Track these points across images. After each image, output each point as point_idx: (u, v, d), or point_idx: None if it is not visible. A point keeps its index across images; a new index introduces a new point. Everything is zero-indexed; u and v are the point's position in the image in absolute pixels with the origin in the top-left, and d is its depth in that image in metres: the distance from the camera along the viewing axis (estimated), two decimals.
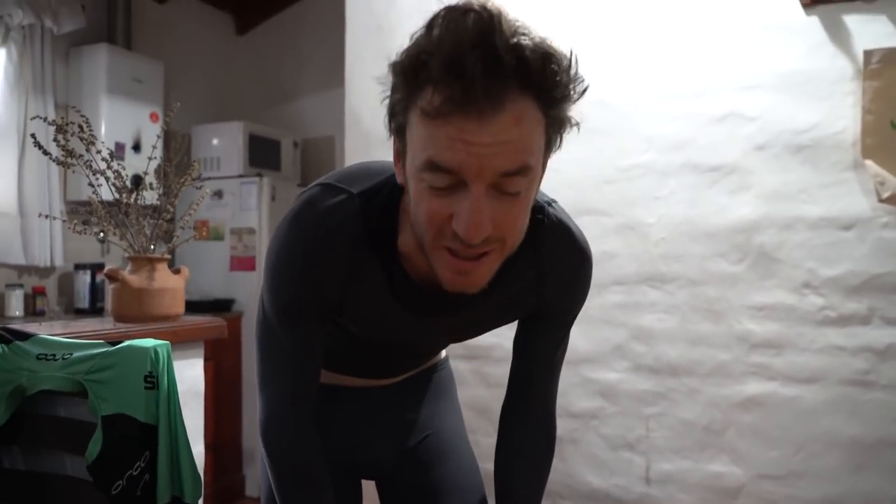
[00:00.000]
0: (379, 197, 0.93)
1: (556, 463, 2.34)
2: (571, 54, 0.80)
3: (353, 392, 1.25)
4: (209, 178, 3.89)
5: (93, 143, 1.69)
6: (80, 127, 1.66)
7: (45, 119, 1.86)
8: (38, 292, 3.53)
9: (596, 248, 2.53)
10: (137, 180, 1.86)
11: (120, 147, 3.64)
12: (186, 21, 4.48)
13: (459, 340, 1.21)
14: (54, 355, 1.11)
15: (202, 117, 4.33)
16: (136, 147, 3.78)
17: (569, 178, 2.36)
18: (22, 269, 3.50)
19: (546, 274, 1.00)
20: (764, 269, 2.11)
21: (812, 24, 2.07)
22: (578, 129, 0.85)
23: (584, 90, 0.82)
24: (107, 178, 1.74)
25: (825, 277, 2.04)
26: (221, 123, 4.23)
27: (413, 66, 0.76)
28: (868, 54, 2.02)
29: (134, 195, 1.80)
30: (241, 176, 4.05)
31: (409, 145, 0.80)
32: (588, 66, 2.55)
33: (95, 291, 3.66)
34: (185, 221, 1.95)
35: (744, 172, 2.14)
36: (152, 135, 3.77)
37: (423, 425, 1.28)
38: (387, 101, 0.82)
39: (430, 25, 0.76)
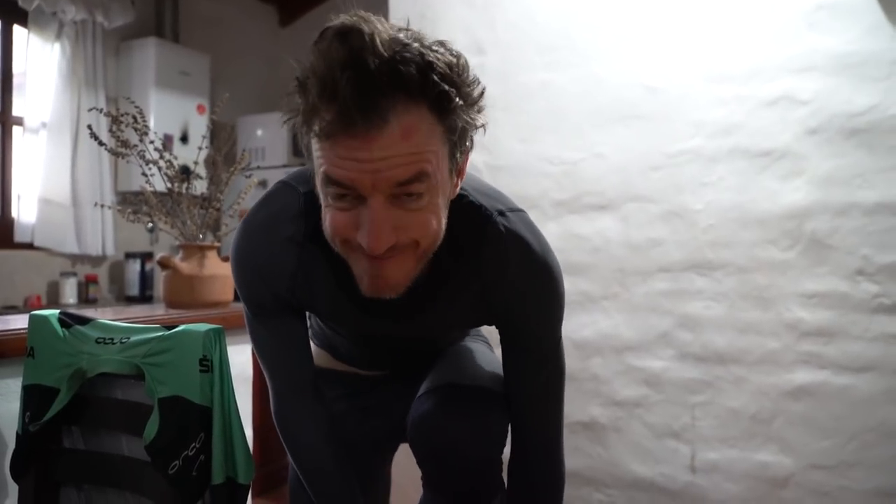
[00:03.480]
0: None
1: (600, 451, 2.35)
2: (461, 59, 0.79)
3: (372, 377, 1.29)
4: (255, 169, 3.95)
5: (146, 134, 1.73)
6: (135, 118, 1.70)
7: (101, 111, 1.91)
8: (91, 280, 3.64)
9: (642, 234, 2.50)
10: (186, 171, 1.90)
11: (168, 138, 3.72)
12: (231, 14, 4.55)
13: (432, 336, 1.20)
14: (112, 339, 1.14)
15: (247, 108, 4.39)
16: (184, 138, 3.86)
17: (614, 165, 2.33)
18: (75, 258, 3.62)
19: (491, 283, 0.97)
20: (816, 256, 2.06)
21: (869, 4, 2.00)
22: (485, 130, 0.84)
23: (482, 93, 0.81)
24: (159, 168, 1.78)
25: (880, 264, 1.98)
26: (266, 114, 4.29)
27: (301, 89, 0.78)
28: None
29: (185, 185, 1.84)
30: (285, 166, 4.11)
31: (314, 163, 0.82)
32: (635, 52, 2.50)
33: (145, 279, 3.76)
34: (232, 210, 1.99)
35: (796, 157, 2.09)
36: (199, 126, 3.85)
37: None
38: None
39: (313, 48, 0.77)
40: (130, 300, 3.75)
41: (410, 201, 0.79)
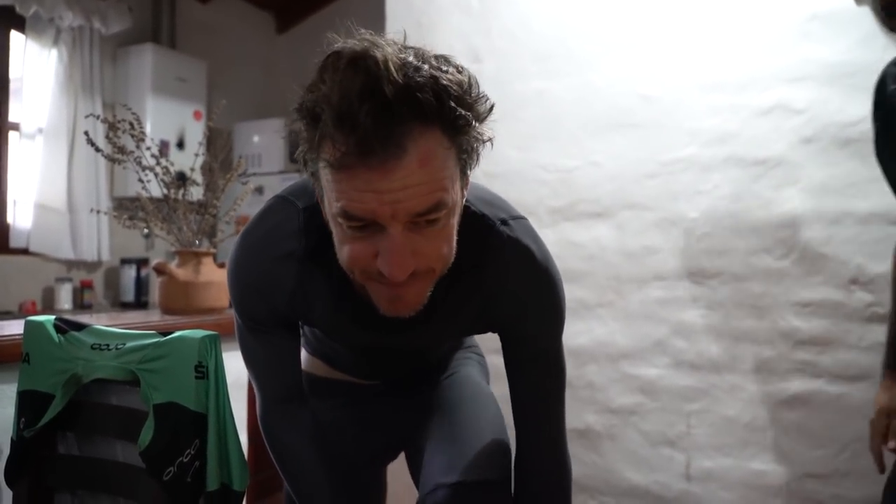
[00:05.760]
0: (322, 213, 0.91)
1: (595, 458, 2.35)
2: (469, 77, 0.78)
3: (368, 388, 1.28)
4: (250, 175, 3.96)
5: (143, 140, 1.74)
6: (131, 124, 1.71)
7: (97, 117, 1.91)
8: (86, 286, 3.63)
9: (637, 242, 2.50)
10: (182, 177, 1.91)
11: (164, 144, 3.72)
12: (228, 20, 4.55)
13: (430, 350, 1.21)
14: (108, 345, 1.13)
15: (244, 115, 4.40)
16: (180, 144, 3.87)
17: (610, 173, 2.34)
18: (71, 264, 3.61)
19: (494, 294, 0.98)
20: (810, 265, 2.07)
21: (862, 14, 2.02)
22: (492, 144, 0.83)
23: (490, 109, 0.80)
24: (155, 174, 1.78)
25: (874, 273, 1.99)
26: (262, 120, 4.29)
27: (311, 117, 0.76)
28: None
29: (181, 191, 1.84)
30: (281, 172, 4.12)
31: (325, 191, 0.81)
32: (630, 61, 2.51)
33: (140, 285, 3.75)
34: (229, 217, 1.99)
35: (790, 166, 2.10)
36: (195, 132, 3.85)
37: (443, 387, 1.26)
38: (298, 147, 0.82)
39: (321, 75, 0.75)
40: (125, 306, 3.74)
41: (428, 227, 0.79)
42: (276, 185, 4.06)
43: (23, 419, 1.15)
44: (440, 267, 0.84)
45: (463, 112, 0.76)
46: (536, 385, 1.06)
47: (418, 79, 0.72)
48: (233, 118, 4.26)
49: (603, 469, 2.36)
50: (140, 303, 3.73)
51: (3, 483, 1.18)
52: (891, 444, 1.36)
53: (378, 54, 0.72)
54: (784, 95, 2.11)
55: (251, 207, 4.06)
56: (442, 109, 0.74)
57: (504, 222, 0.97)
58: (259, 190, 4.06)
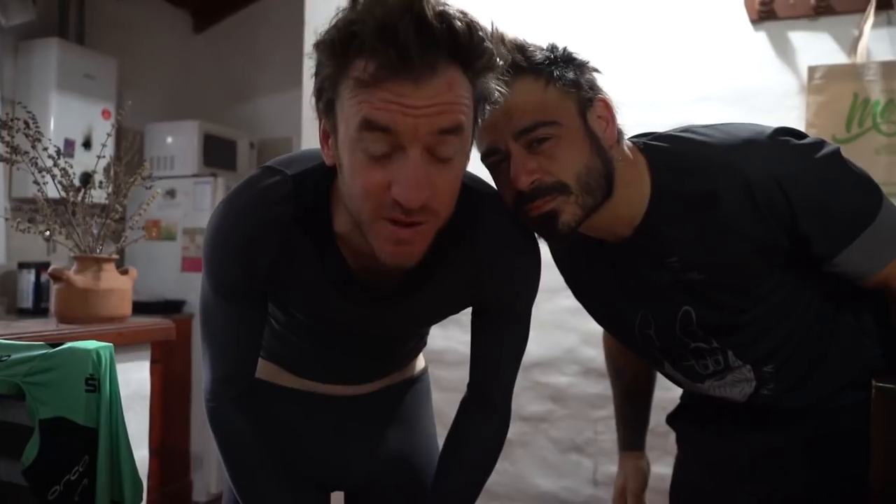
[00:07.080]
0: (313, 178, 0.94)
1: (506, 466, 2.38)
2: (493, 25, 0.84)
3: (327, 400, 1.24)
4: (162, 178, 3.83)
5: (39, 140, 1.66)
6: (26, 123, 1.63)
7: None
8: None
9: (548, 253, 2.55)
10: (86, 178, 1.83)
11: (70, 144, 3.55)
12: (142, 17, 4.40)
13: (408, 330, 1.21)
14: None
15: (158, 115, 4.25)
16: (87, 144, 3.70)
17: None
18: None
19: (485, 267, 1.01)
20: None
21: (760, 40, 2.14)
22: (498, 106, 0.87)
23: (505, 63, 0.86)
24: (53, 176, 1.70)
25: None
26: (176, 122, 4.16)
27: (342, 38, 0.77)
28: (812, 70, 2.09)
29: (81, 194, 1.76)
30: (195, 175, 4.00)
31: (341, 117, 0.81)
32: None
33: (40, 291, 3.57)
34: (135, 221, 1.92)
35: None
36: (104, 132, 3.69)
37: (399, 445, 1.27)
38: (314, 82, 0.83)
39: (354, 2, 0.77)
40: (23, 313, 3.54)
41: (443, 159, 0.80)
42: (189, 189, 3.95)
43: None
44: (444, 214, 0.85)
45: (487, 50, 0.80)
46: (505, 346, 1.11)
47: (449, 10, 0.76)
48: (146, 118, 4.11)
49: (514, 476, 2.39)
50: (39, 310, 3.54)
51: None
52: None
53: None
54: (690, 115, 2.20)
55: (161, 211, 3.93)
56: (471, 41, 0.78)
57: (493, 195, 1.02)
58: (171, 193, 3.93)
